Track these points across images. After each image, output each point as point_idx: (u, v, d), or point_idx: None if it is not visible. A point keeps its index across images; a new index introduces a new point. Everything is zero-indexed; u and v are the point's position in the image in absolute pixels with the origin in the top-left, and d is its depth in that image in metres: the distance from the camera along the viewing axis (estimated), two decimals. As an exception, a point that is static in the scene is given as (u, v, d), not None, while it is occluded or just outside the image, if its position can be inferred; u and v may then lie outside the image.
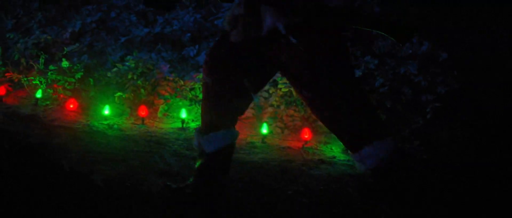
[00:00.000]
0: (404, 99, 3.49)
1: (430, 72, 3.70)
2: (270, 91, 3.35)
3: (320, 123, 3.11)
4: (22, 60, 3.76)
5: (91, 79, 3.59)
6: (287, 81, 3.26)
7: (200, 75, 3.41)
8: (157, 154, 2.78)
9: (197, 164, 2.13)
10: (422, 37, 4.10)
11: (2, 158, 2.56)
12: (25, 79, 3.53)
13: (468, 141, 3.21)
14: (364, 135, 1.88)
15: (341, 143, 3.10)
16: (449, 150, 3.13)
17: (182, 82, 3.35)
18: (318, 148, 3.06)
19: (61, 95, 3.43)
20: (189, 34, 4.03)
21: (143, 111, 3.19)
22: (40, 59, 3.67)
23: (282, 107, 3.25)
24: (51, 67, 3.60)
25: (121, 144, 2.93)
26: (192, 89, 3.35)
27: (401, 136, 3.21)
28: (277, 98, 3.28)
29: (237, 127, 2.18)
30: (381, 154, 1.86)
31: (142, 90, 3.34)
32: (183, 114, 3.18)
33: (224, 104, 2.05)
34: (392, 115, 3.39)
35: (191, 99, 3.31)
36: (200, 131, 2.14)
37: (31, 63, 3.67)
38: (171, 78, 3.38)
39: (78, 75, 3.54)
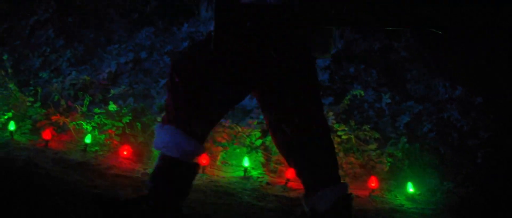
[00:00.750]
0: (453, 144, 3.58)
1: (471, 117, 3.82)
2: (328, 138, 3.35)
3: (380, 170, 3.15)
4: (62, 101, 3.62)
5: (139, 124, 3.50)
6: (346, 128, 3.29)
7: (256, 122, 3.39)
8: (232, 206, 2.73)
9: None
10: (455, 81, 4.24)
11: (77, 214, 2.44)
12: (73, 123, 3.40)
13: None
14: (326, 177, 2.04)
15: (404, 190, 3.15)
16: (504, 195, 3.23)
17: (239, 129, 3.32)
18: (384, 196, 3.08)
19: (115, 141, 3.32)
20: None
21: (204, 159, 3.13)
22: (85, 101, 3.56)
23: (341, 154, 3.27)
24: (96, 110, 3.49)
25: (190, 195, 2.86)
26: (248, 136, 3.32)
27: (457, 182, 3.29)
28: (335, 146, 3.28)
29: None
30: (334, 198, 2.00)
31: (199, 136, 3.27)
32: (246, 162, 3.14)
33: (201, 109, 2.05)
34: (444, 160, 3.46)
35: (248, 146, 3.28)
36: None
37: (75, 105, 3.55)
38: (226, 124, 3.34)
39: (126, 120, 3.45)
